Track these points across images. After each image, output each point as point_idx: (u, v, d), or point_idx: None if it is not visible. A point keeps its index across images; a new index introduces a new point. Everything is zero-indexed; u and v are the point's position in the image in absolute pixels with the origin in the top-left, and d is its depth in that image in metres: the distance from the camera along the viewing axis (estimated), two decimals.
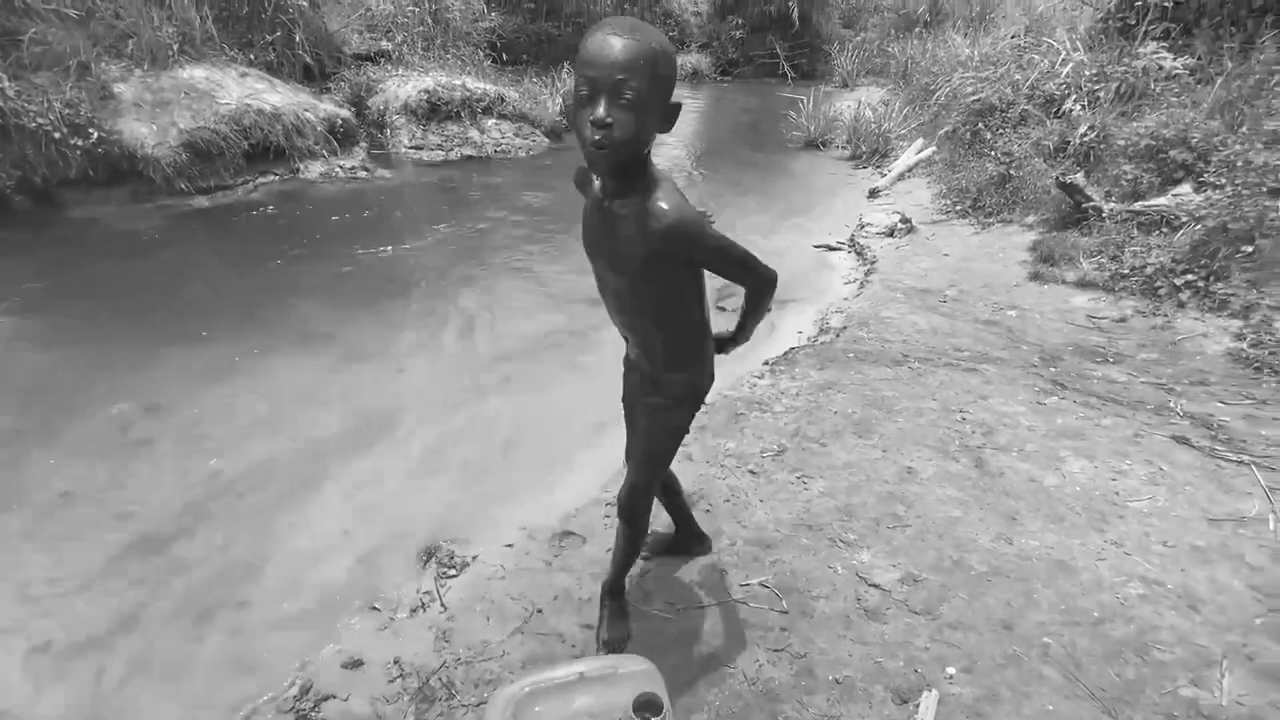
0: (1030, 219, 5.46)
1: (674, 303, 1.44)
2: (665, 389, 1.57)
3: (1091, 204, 5.07)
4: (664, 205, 1.23)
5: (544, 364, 3.74)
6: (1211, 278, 3.95)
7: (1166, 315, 3.85)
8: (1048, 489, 2.47)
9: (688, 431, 1.69)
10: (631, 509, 1.74)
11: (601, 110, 1.14)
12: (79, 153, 5.57)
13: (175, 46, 6.51)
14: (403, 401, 3.33)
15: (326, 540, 2.48)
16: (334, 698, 1.82)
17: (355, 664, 1.93)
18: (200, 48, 6.74)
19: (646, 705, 1.18)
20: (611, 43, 1.12)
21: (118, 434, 3.05)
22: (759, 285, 1.45)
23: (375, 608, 2.14)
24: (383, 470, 2.87)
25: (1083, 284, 4.31)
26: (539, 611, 2.05)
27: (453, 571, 2.27)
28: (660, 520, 2.29)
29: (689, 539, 2.20)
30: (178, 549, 2.45)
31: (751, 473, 2.63)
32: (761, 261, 1.40)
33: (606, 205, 1.34)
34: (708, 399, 3.18)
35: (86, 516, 2.58)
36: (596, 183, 1.38)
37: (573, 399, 3.38)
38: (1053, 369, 3.37)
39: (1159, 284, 4.07)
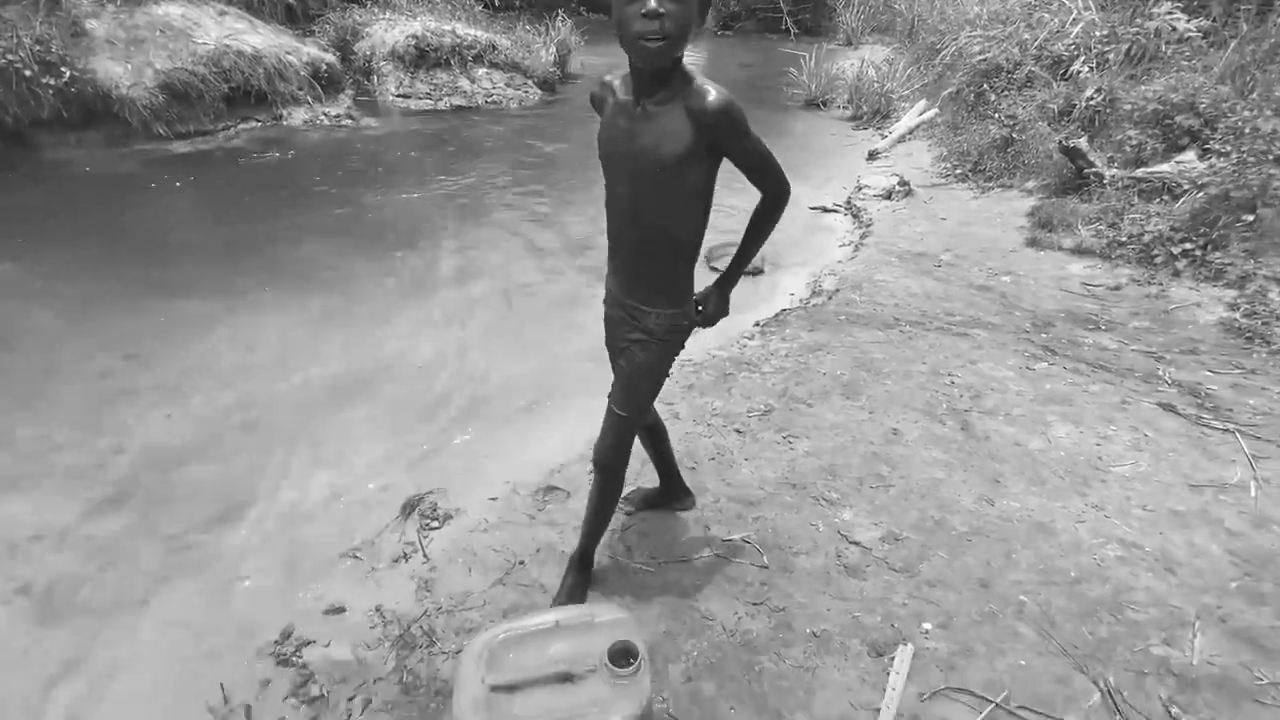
0: (1030, 184, 5.38)
1: (687, 214, 1.45)
2: (645, 323, 1.57)
3: (1093, 170, 4.99)
4: (712, 91, 1.28)
5: (531, 318, 3.69)
6: (1209, 246, 3.91)
7: (1161, 284, 3.82)
8: (1032, 453, 2.47)
9: (668, 375, 1.67)
10: (606, 457, 1.70)
11: (654, 2, 1.17)
12: (51, 92, 5.35)
13: None
14: (386, 353, 3.29)
15: (308, 490, 2.46)
16: (315, 643, 1.82)
17: (337, 611, 1.93)
18: None
19: (622, 653, 1.18)
20: None
21: (97, 381, 3.00)
22: (777, 191, 1.47)
23: (357, 556, 2.14)
24: (366, 421, 2.84)
25: (1080, 251, 4.27)
26: (521, 563, 2.05)
27: (435, 523, 2.27)
28: (645, 479, 2.29)
29: (672, 492, 2.18)
30: (158, 497, 2.42)
31: (738, 432, 2.62)
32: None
33: (640, 108, 1.35)
34: (696, 358, 3.18)
35: (66, 464, 2.55)
36: (619, 92, 1.41)
37: (560, 353, 3.34)
38: (1044, 335, 3.35)
39: (1156, 252, 4.03)
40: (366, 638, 1.83)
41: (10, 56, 5.18)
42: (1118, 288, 3.86)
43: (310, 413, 2.86)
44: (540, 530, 2.19)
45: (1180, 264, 3.92)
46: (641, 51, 1.25)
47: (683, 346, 1.65)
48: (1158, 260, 3.99)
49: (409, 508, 2.35)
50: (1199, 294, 3.70)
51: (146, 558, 2.17)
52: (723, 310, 1.64)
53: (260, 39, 6.52)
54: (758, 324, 3.56)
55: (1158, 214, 4.33)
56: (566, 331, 3.52)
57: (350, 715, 1.62)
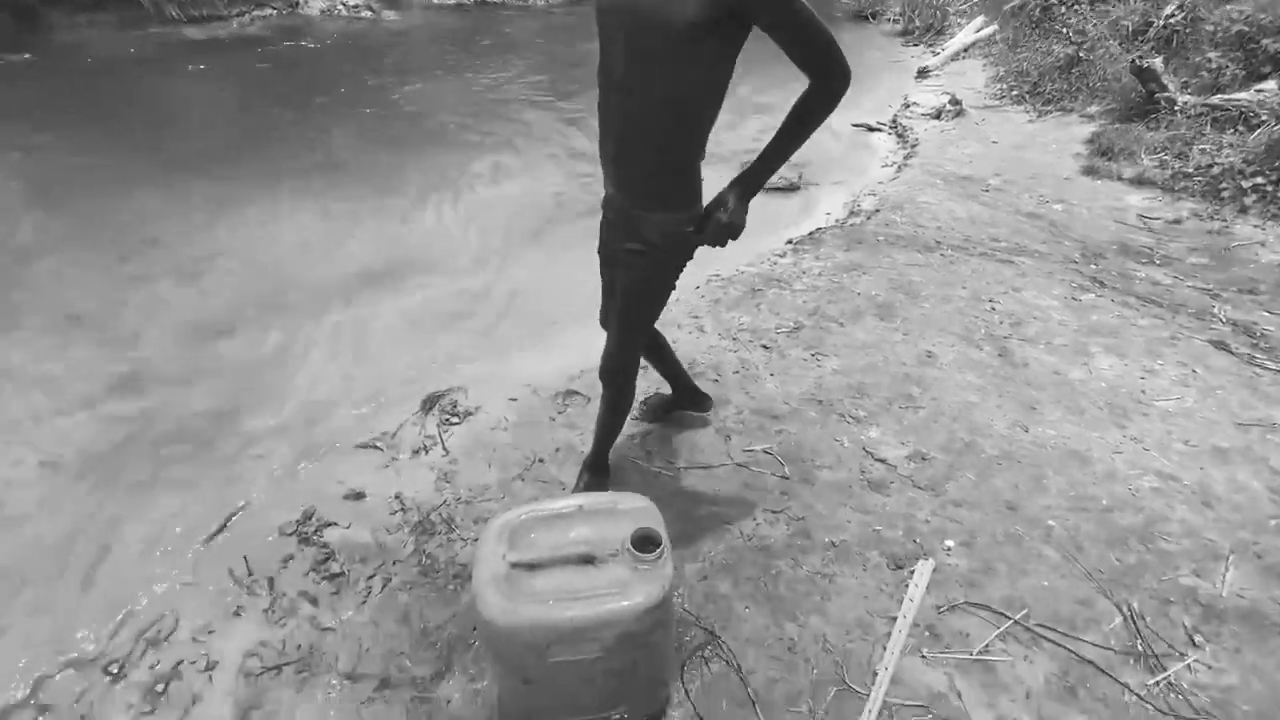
0: (1093, 108, 5.00)
1: (692, 99, 1.20)
2: (646, 231, 1.35)
3: (1165, 94, 4.61)
4: None
5: (555, 223, 3.56)
6: None
7: (1225, 220, 3.58)
8: (1072, 382, 2.37)
9: (673, 289, 1.49)
10: (612, 374, 1.60)
11: None
12: None
13: None
14: (408, 252, 3.21)
15: (327, 381, 2.45)
16: (335, 525, 1.84)
17: (357, 496, 1.94)
18: None
19: (645, 540, 1.15)
20: None
21: (116, 265, 2.97)
22: (830, 76, 1.14)
23: (377, 446, 2.14)
24: (389, 316, 2.80)
25: (1140, 181, 3.99)
26: (540, 461, 2.03)
27: (455, 419, 2.25)
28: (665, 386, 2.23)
29: (686, 396, 2.09)
30: (177, 379, 2.43)
31: (765, 348, 2.54)
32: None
33: None
34: (725, 273, 3.07)
35: (88, 343, 2.55)
36: None
37: (582, 260, 3.23)
38: (1094, 266, 3.18)
39: (1224, 186, 3.76)
40: (386, 523, 1.85)
41: None
42: (1177, 221, 3.63)
43: (333, 304, 2.82)
44: (559, 431, 2.16)
45: (1249, 199, 3.66)
46: None
47: (687, 260, 1.44)
48: (1225, 194, 3.73)
49: (429, 403, 2.33)
50: (1265, 232, 3.46)
51: (166, 435, 2.19)
52: (738, 222, 1.29)
53: None
54: (790, 242, 3.41)
55: (1230, 145, 4.02)
56: (590, 238, 3.39)
57: (370, 592, 1.65)
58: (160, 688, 1.44)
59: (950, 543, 1.77)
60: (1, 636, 1.58)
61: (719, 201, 1.29)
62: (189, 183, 3.57)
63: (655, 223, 1.34)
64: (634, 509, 1.20)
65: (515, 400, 2.32)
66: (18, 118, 4.06)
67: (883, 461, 2.02)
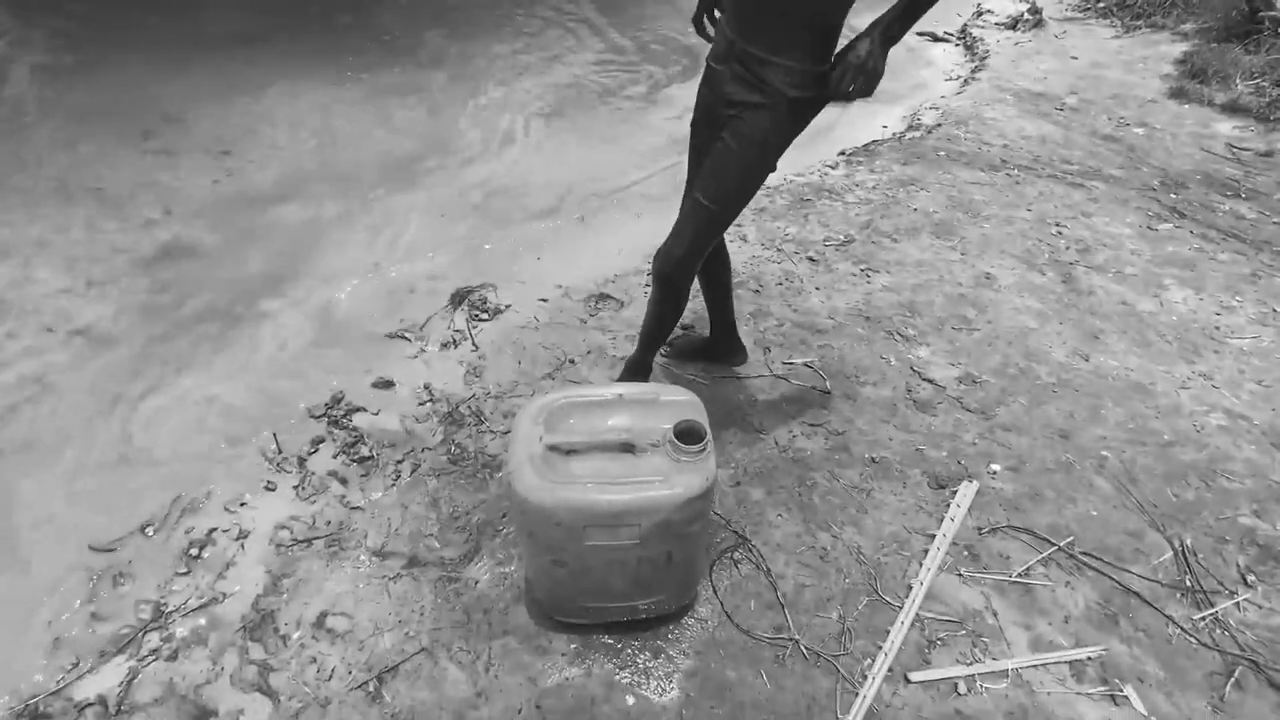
0: (1187, 26, 4.51)
1: None
2: (774, 77, 1.19)
3: (1271, 13, 4.12)
4: None
5: (597, 120, 3.36)
6: None
7: None
8: (1140, 314, 2.21)
9: (781, 154, 1.31)
10: (670, 266, 1.41)
11: None
12: None
13: None
14: (438, 142, 3.06)
15: (355, 268, 2.38)
16: (365, 410, 1.82)
17: (386, 384, 1.91)
18: None
19: (688, 432, 1.09)
20: None
21: (139, 141, 2.87)
22: None
23: (405, 337, 2.09)
24: (418, 207, 2.69)
25: (1233, 108, 3.63)
26: (571, 361, 1.97)
27: (484, 315, 2.19)
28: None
29: (723, 344, 1.89)
30: (204, 256, 2.38)
31: (811, 260, 2.40)
32: None
33: None
34: (772, 181, 2.88)
35: (112, 218, 2.50)
36: None
37: (625, 161, 3.06)
38: (1173, 195, 2.92)
39: None
40: (415, 412, 1.82)
41: None
42: (1270, 154, 3.31)
43: (361, 191, 2.72)
44: (591, 334, 2.09)
45: None
46: None
47: (810, 119, 1.28)
48: None
49: (459, 298, 2.26)
50: None
51: (195, 311, 2.16)
52: (876, 67, 1.12)
53: None
54: (843, 153, 3.18)
55: None
56: (636, 135, 3.20)
57: (399, 476, 1.64)
58: (195, 551, 1.46)
59: (996, 466, 1.69)
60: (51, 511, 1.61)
61: (853, 46, 1.13)
62: (213, 58, 3.41)
63: (786, 68, 1.18)
64: (677, 401, 1.13)
65: (546, 301, 2.24)
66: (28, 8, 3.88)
67: (931, 381, 1.92)
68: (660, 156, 3.08)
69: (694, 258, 1.42)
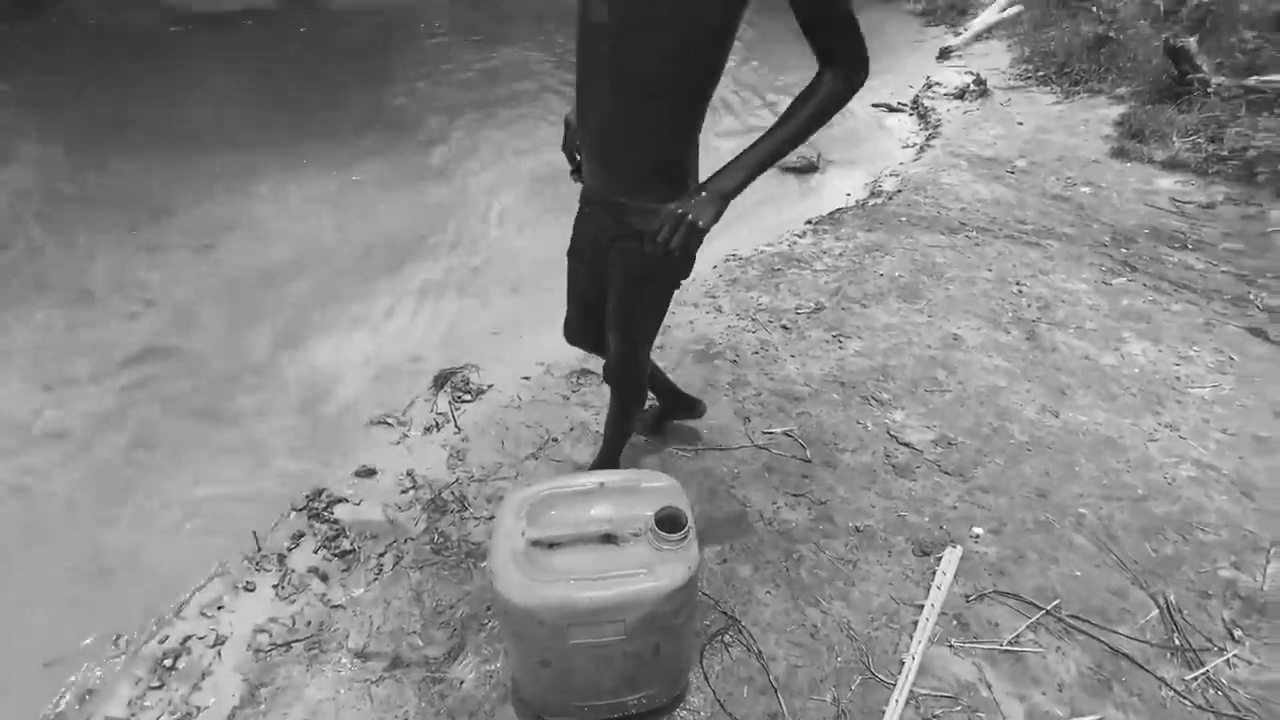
0: (1122, 90, 4.85)
1: (690, 60, 1.03)
2: (635, 221, 1.18)
3: (1198, 75, 4.46)
4: None
5: (571, 200, 3.48)
6: None
7: (1261, 205, 3.46)
8: (1103, 368, 2.29)
9: (677, 286, 1.33)
10: (620, 378, 1.47)
11: None
12: None
13: None
14: (421, 228, 3.15)
15: (338, 356, 2.41)
16: (346, 500, 1.81)
17: (368, 473, 1.91)
18: None
19: (670, 520, 1.10)
20: None
21: (126, 235, 2.93)
22: (849, 65, 1.01)
23: (388, 423, 2.10)
24: (399, 291, 2.75)
25: (1172, 164, 3.87)
26: (554, 440, 1.98)
27: (467, 397, 2.21)
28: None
29: (676, 403, 1.88)
30: (188, 351, 2.40)
31: (784, 328, 2.47)
32: None
33: None
34: (744, 253, 2.99)
35: (98, 315, 2.52)
36: None
37: None
38: (1124, 250, 3.08)
39: (1260, 170, 3.63)
40: (397, 500, 1.81)
41: None
42: (1210, 206, 3.51)
43: (344, 275, 2.78)
44: (574, 410, 2.11)
45: None
46: None
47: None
48: (1260, 179, 3.60)
49: (441, 380, 2.29)
50: None
51: (175, 407, 2.15)
52: (700, 219, 1.03)
53: None
54: (810, 221, 3.32)
55: (1267, 129, 3.87)
56: None
57: (381, 570, 1.61)
58: (169, 662, 1.41)
59: (978, 530, 1.71)
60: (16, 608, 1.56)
61: (693, 193, 1.06)
62: (201, 153, 3.52)
63: (644, 211, 1.14)
64: (658, 488, 1.15)
65: (528, 379, 2.27)
66: (28, 86, 4.02)
67: (908, 445, 1.95)
68: None
69: (643, 362, 1.48)
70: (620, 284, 1.30)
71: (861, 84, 1.05)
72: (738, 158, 1.07)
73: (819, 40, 1.02)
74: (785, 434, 2.00)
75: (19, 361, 2.32)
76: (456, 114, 4.27)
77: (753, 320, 2.52)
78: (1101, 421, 2.06)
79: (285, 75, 4.45)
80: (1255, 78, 4.35)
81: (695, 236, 1.04)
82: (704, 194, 1.05)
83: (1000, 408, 2.10)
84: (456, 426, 2.07)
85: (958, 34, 6.75)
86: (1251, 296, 2.76)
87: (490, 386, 2.24)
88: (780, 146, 1.05)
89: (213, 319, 2.53)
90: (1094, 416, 2.07)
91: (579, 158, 1.32)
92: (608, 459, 1.71)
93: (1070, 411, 2.09)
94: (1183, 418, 2.09)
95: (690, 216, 1.03)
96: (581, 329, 1.53)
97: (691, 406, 1.91)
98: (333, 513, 1.79)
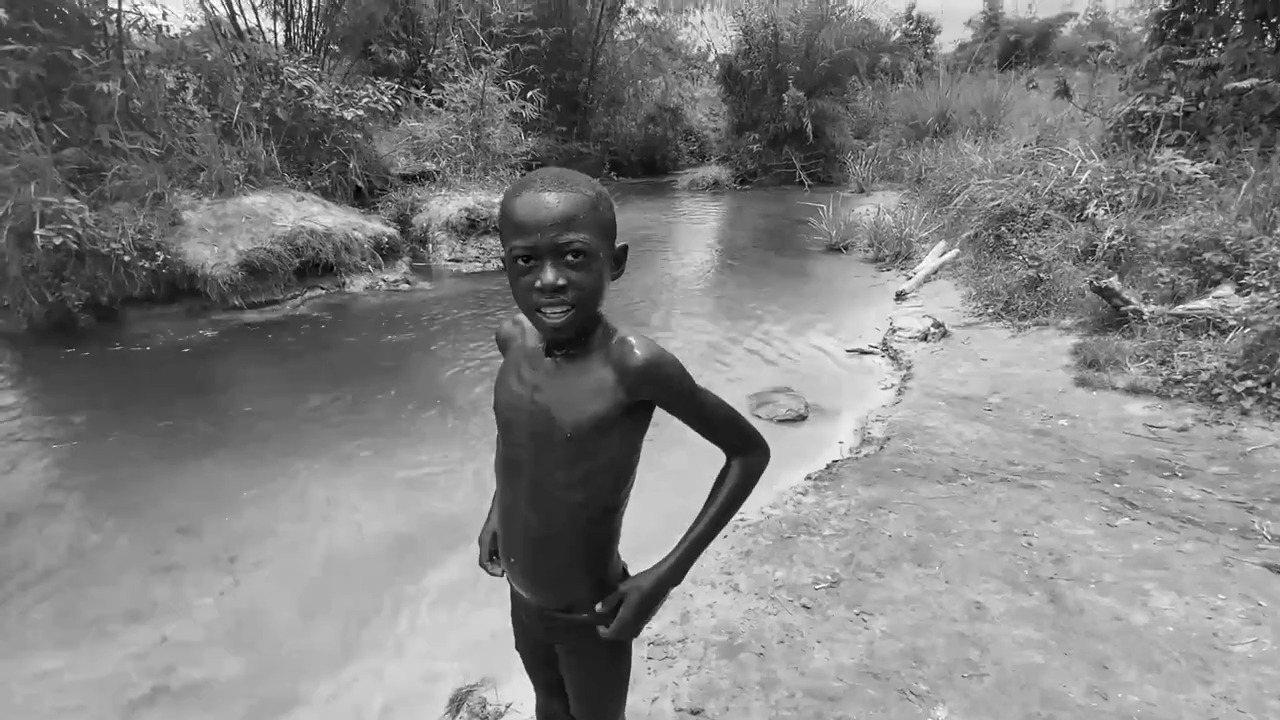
0: (1067, 321, 5.40)
1: (603, 492, 1.15)
2: (578, 634, 1.23)
3: (1130, 307, 5.01)
4: (637, 346, 1.06)
5: None
6: (1273, 384, 3.79)
7: (1231, 424, 3.67)
8: (1137, 629, 2.24)
9: (629, 660, 1.33)
10: None
11: (550, 275, 1.00)
12: (145, 273, 5.96)
13: (242, 176, 7.10)
14: (436, 528, 3.26)
15: (355, 680, 2.34)
16: None
17: None
18: (264, 177, 7.34)
19: None
20: (545, 199, 0.99)
21: (150, 557, 3.01)
22: (750, 456, 1.16)
23: None
24: (413, 599, 2.75)
25: (1134, 390, 4.16)
26: None
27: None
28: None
29: None
30: (204, 682, 2.33)
31: (805, 608, 2.45)
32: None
33: (552, 359, 1.13)
34: (751, 518, 3.08)
35: (114, 649, 2.49)
36: (531, 336, 1.18)
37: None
38: (1117, 484, 3.18)
39: (1218, 390, 3.91)
40: None
41: (114, 245, 5.83)
42: (1185, 429, 3.71)
43: (357, 596, 2.79)
44: None
45: (1247, 402, 3.78)
46: (542, 324, 1.05)
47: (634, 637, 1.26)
48: (1221, 399, 3.86)
49: (456, 703, 2.20)
50: (1275, 434, 3.52)
51: None
52: (632, 634, 1.18)
53: (332, 218, 7.26)
54: (809, 477, 3.47)
55: (1210, 350, 4.26)
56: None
57: None
58: None
59: None
60: None
61: (626, 591, 1.17)
62: (226, 464, 3.77)
63: (580, 624, 1.21)
64: None
65: None
66: (66, 409, 4.44)
67: None
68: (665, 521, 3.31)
69: None
70: (574, 681, 1.32)
71: (763, 466, 1.18)
72: (662, 565, 1.17)
73: (717, 441, 1.17)
74: None
75: (31, 709, 2.24)
76: (475, 410, 4.66)
77: (772, 600, 2.51)
78: (1154, 700, 1.95)
79: (316, 384, 4.93)
80: (1182, 306, 4.89)
81: (638, 627, 1.18)
82: (632, 603, 1.16)
83: (1045, 692, 2.00)
84: None
85: (908, 277, 7.69)
86: (1257, 526, 2.79)
87: (509, 706, 2.15)
88: (702, 542, 1.16)
89: (226, 651, 2.50)
90: (1145, 695, 1.98)
91: (499, 570, 1.34)
92: None
93: (1118, 690, 2.00)
94: (1234, 685, 1.99)
95: (620, 638, 1.17)
96: (562, 711, 1.44)
97: None
98: None
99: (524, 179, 1.04)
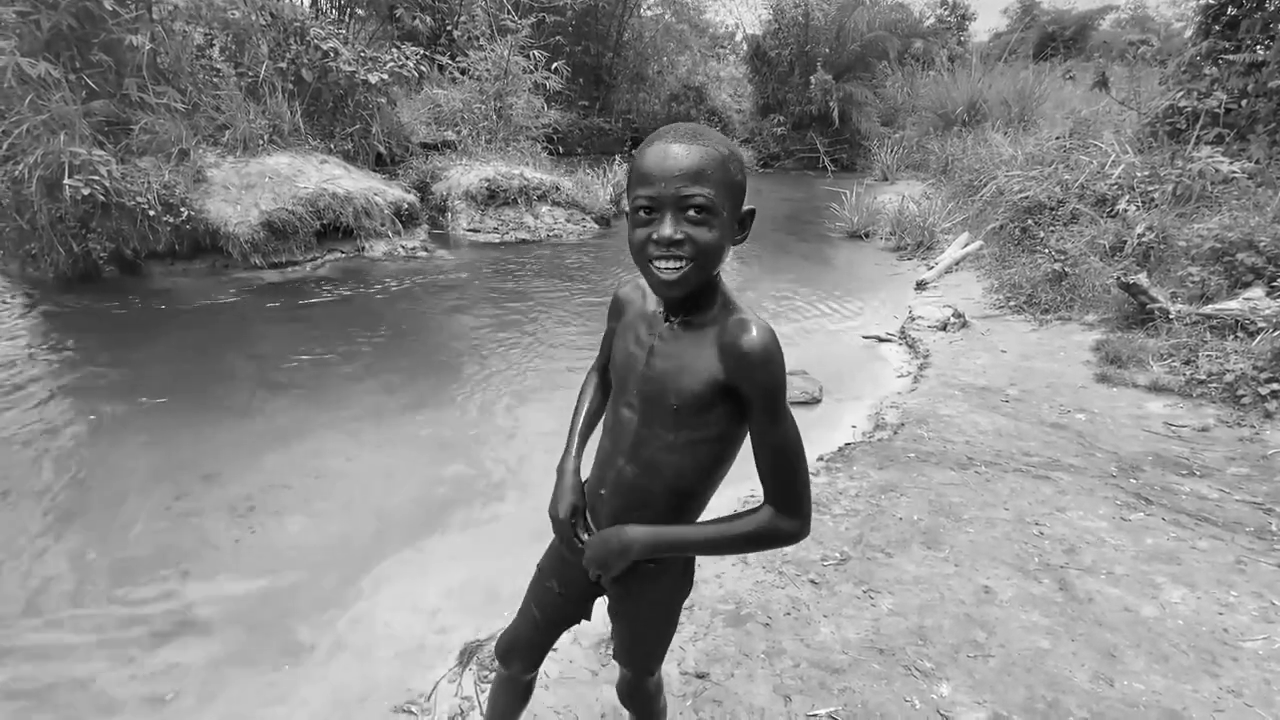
0: (1090, 317, 5.31)
1: (698, 464, 1.14)
2: (640, 574, 1.24)
3: (1157, 305, 4.92)
4: (753, 327, 1.02)
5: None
6: None
7: (1254, 426, 3.61)
8: (1146, 621, 2.23)
9: (679, 614, 1.38)
10: (632, 699, 1.50)
11: (669, 228, 0.97)
12: (169, 228, 6.01)
13: (266, 136, 7.11)
14: (448, 489, 3.29)
15: (366, 631, 2.39)
16: None
17: None
18: (288, 138, 7.34)
19: None
20: (674, 151, 0.96)
21: (171, 503, 3.08)
22: (785, 521, 1.07)
23: (410, 711, 2.02)
24: (429, 553, 2.80)
25: (1156, 388, 4.11)
26: None
27: (493, 675, 2.14)
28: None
29: None
30: (218, 620, 2.39)
31: (813, 583, 2.47)
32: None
33: (668, 323, 1.12)
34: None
35: (134, 593, 2.56)
36: (650, 300, 1.17)
37: None
38: (1133, 480, 3.15)
39: (1242, 392, 3.85)
40: None
41: (140, 199, 5.88)
42: (1205, 429, 3.66)
43: (370, 548, 2.84)
44: (603, 689, 2.04)
45: (1271, 405, 3.72)
46: (654, 278, 1.02)
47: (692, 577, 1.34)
48: (1245, 401, 3.80)
49: (467, 655, 2.24)
50: None
51: (203, 691, 2.10)
52: (602, 554, 1.18)
53: (353, 182, 7.27)
54: (821, 459, 3.46)
55: (1236, 352, 4.18)
56: None
57: None
58: None
59: None
60: None
61: (620, 531, 1.15)
62: (251, 417, 3.83)
63: (640, 570, 1.22)
64: None
65: (555, 650, 2.22)
66: (91, 358, 4.52)
67: None
68: None
69: (655, 685, 1.47)
70: (625, 624, 1.35)
71: (790, 538, 1.09)
72: (650, 528, 1.14)
73: (767, 481, 1.08)
74: (830, 717, 1.90)
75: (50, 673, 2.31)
76: (486, 379, 4.69)
77: (779, 574, 2.52)
78: (1160, 690, 1.96)
79: (335, 342, 4.99)
80: (1211, 306, 4.80)
81: (600, 566, 1.19)
82: (605, 537, 1.17)
83: (1050, 675, 2.01)
84: (482, 711, 1.98)
85: (930, 267, 7.59)
86: (1274, 528, 2.76)
87: None
88: (691, 543, 1.14)
89: (242, 593, 2.56)
90: (1151, 684, 1.98)
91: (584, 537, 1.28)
92: None
93: (1124, 678, 2.00)
94: (1243, 680, 1.99)
95: (597, 568, 1.19)
96: (526, 647, 1.47)
97: None
98: None
99: (659, 130, 1.01)
